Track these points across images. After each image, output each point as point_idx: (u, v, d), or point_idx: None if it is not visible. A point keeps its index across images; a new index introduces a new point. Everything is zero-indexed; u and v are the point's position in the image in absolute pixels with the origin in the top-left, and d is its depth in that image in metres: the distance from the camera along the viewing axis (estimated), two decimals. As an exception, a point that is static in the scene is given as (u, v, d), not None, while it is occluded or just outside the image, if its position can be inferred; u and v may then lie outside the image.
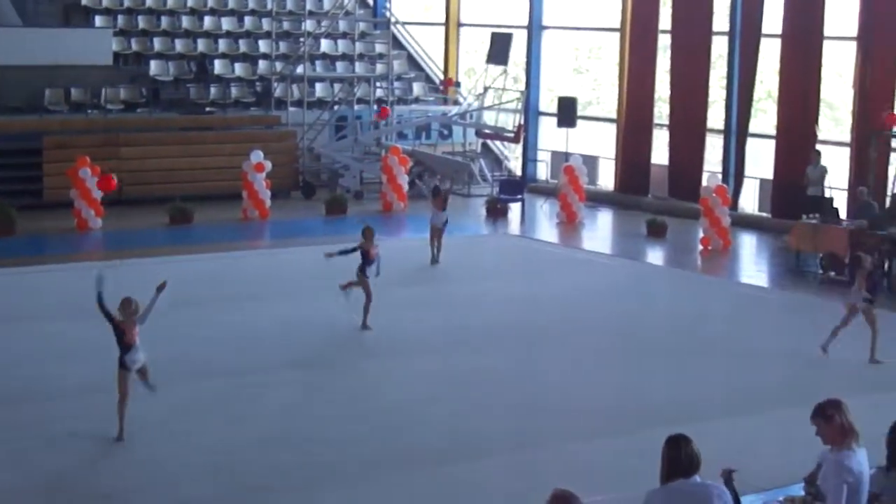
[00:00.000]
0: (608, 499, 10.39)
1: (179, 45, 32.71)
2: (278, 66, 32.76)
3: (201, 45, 32.98)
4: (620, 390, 15.20)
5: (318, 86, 33.35)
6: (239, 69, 32.82)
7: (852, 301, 16.69)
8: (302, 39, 32.89)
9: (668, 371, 16.07)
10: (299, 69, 32.31)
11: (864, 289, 16.57)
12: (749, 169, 28.37)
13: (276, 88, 32.25)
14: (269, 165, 27.05)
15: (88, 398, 14.18)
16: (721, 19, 29.09)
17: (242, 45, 33.55)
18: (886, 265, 21.85)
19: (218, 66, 32.49)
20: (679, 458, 7.68)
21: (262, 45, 33.56)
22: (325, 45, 34.54)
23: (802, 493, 8.96)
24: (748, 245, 26.25)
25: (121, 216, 26.18)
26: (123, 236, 24.93)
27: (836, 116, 29.80)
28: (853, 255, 17.90)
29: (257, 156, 26.98)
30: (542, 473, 11.87)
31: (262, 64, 33.07)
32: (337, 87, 33.64)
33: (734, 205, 27.03)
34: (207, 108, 31.27)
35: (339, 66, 34.40)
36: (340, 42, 35.04)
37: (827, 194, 24.69)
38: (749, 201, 28.62)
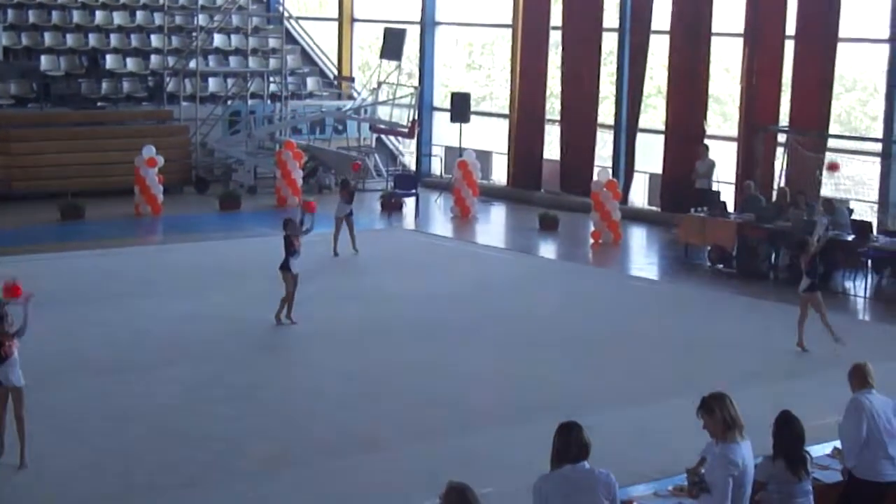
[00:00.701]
0: (507, 490, 10.55)
1: (70, 39, 32.33)
2: (171, 60, 32.54)
3: (93, 39, 32.63)
4: (515, 382, 15.41)
5: (211, 80, 33.20)
6: (131, 64, 32.53)
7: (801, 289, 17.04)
8: (194, 34, 32.69)
9: (561, 362, 16.32)
10: (192, 64, 32.13)
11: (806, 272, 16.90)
12: (639, 164, 28.81)
13: (168, 83, 32.04)
14: (161, 160, 26.88)
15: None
16: (611, 16, 29.51)
17: (134, 40, 33.24)
18: (773, 257, 22.38)
19: (109, 61, 32.17)
20: (568, 444, 7.84)
21: (155, 40, 33.30)
22: (218, 40, 34.37)
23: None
24: (638, 238, 26.67)
25: (11, 212, 25.90)
26: (13, 233, 24.62)
27: (723, 111, 30.35)
28: (800, 240, 18.12)
29: (150, 151, 26.80)
30: (438, 466, 12.00)
31: (154, 59, 32.81)
32: (230, 81, 33.53)
33: (624, 199, 27.43)
34: (99, 104, 30.98)
35: (233, 60, 34.27)
36: (233, 37, 34.89)
37: (714, 188, 25.22)
38: (639, 195, 29.07)
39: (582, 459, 7.81)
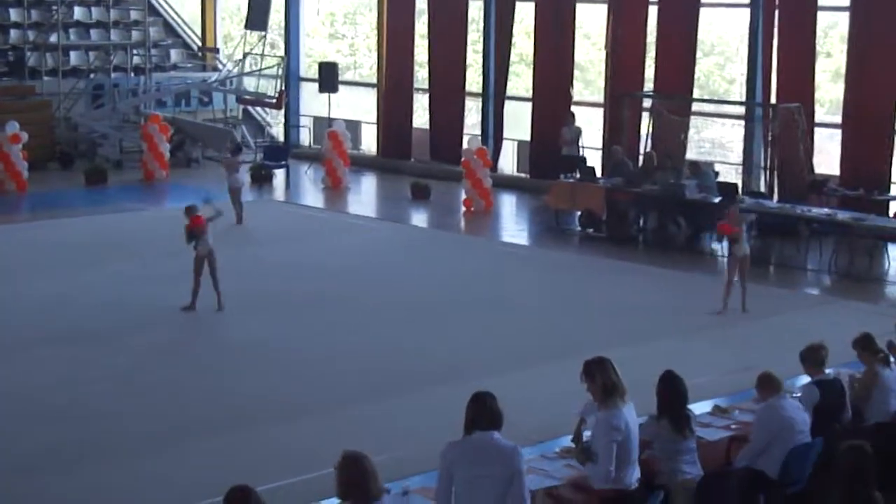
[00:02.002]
0: (395, 456, 10.64)
1: (-75, 14, 31.54)
2: (31, 35, 31.88)
3: (-51, 14, 31.86)
4: (398, 350, 15.49)
5: (72, 54, 32.60)
6: (-11, 38, 31.84)
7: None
8: (54, 7, 32.05)
9: (438, 330, 16.45)
10: (53, 38, 31.53)
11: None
12: (507, 131, 29.04)
13: (29, 58, 31.39)
14: (25, 136, 26.38)
15: None
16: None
17: (-8, 14, 32.52)
18: (642, 220, 22.77)
19: (-33, 36, 31.46)
20: (480, 413, 7.88)
21: (14, 14, 32.55)
22: (78, 13, 33.71)
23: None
24: (509, 205, 26.90)
25: None
26: None
27: (585, 78, 30.68)
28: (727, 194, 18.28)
29: (13, 127, 26.28)
30: (324, 436, 12.08)
31: (13, 33, 32.11)
32: (92, 55, 32.96)
33: (494, 166, 27.63)
34: (-42, 79, 30.29)
35: (94, 33, 33.66)
36: (94, 9, 34.22)
37: (581, 154, 25.55)
38: (508, 163, 29.30)
39: (493, 429, 7.86)
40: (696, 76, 26.19)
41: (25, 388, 13.94)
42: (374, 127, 31.61)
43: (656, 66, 26.16)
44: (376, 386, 14.10)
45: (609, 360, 8.86)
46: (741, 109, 25.91)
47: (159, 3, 35.82)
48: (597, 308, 17.70)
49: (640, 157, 24.30)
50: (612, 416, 8.64)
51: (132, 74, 32.55)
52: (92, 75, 32.22)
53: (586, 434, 9.10)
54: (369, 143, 32.08)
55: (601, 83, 27.91)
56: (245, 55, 31.85)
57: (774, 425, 9.46)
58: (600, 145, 26.61)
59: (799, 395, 10.27)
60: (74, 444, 12.24)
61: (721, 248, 21.32)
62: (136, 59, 32.89)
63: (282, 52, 32.98)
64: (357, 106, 32.66)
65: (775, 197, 22.59)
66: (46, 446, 12.12)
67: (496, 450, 7.78)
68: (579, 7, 27.65)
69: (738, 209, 17.98)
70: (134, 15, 34.32)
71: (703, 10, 25.83)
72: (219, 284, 17.10)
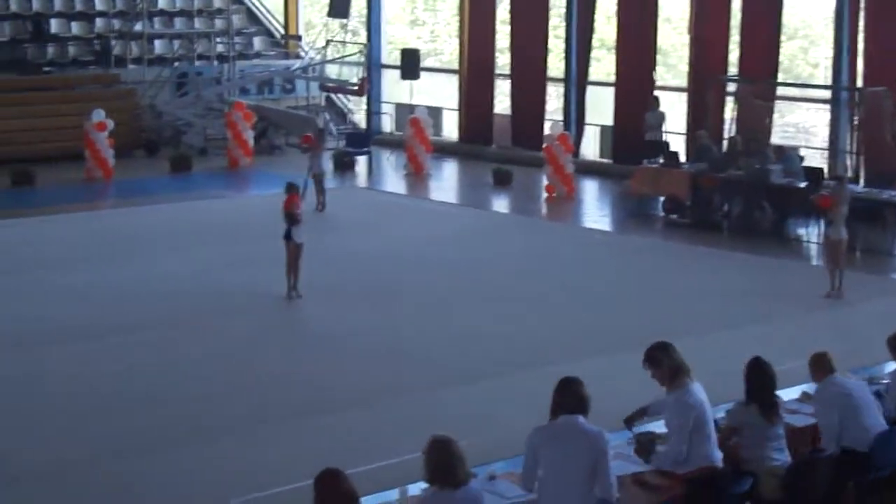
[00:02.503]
0: (480, 441, 10.63)
1: (14, 4, 31.94)
2: (116, 23, 32.25)
3: (36, 4, 32.27)
4: (478, 336, 15.46)
5: (157, 43, 32.95)
6: (76, 28, 32.24)
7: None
8: (139, -4, 32.42)
9: (522, 316, 16.40)
10: (137, 26, 31.86)
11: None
12: (589, 116, 28.90)
13: (114, 46, 31.76)
14: (111, 124, 26.69)
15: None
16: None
17: (79, 4, 32.91)
18: (727, 206, 22.55)
19: (54, 26, 31.87)
20: (564, 397, 7.88)
21: (99, 3, 32.98)
22: (162, 2, 34.08)
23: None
24: (591, 191, 26.78)
25: (-41, 180, 25.66)
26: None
27: (667, 63, 30.47)
28: (838, 176, 18.22)
29: (99, 115, 26.58)
30: (410, 421, 12.11)
31: (99, 22, 32.53)
32: (177, 43, 33.28)
33: (576, 152, 27.53)
34: (45, 69, 30.68)
35: (178, 22, 34.00)
36: (178, -2, 34.63)
37: (664, 139, 25.37)
38: (590, 148, 29.17)
39: (579, 413, 7.84)
40: (780, 60, 25.90)
41: (111, 373, 14.08)
42: (456, 113, 31.61)
43: (740, 50, 25.91)
44: (458, 372, 14.10)
45: (669, 343, 8.82)
46: (826, 93, 25.59)
47: (243, -8, 36.11)
48: (681, 294, 17.57)
49: (725, 142, 24.09)
50: (684, 393, 8.60)
51: (216, 62, 32.83)
52: (176, 63, 32.53)
53: (643, 428, 9.05)
54: (451, 129, 32.08)
55: (684, 67, 27.70)
56: (327, 43, 32.00)
57: (837, 400, 9.34)
58: (684, 130, 26.42)
59: (887, 381, 10.12)
60: (160, 427, 12.36)
61: (807, 232, 21.13)
62: (219, 48, 33.17)
63: (363, 40, 33.06)
64: (438, 92, 32.68)
65: (861, 181, 22.28)
66: (134, 429, 12.26)
67: (582, 433, 7.76)
68: (662, -9, 27.48)
69: (844, 189, 17.70)
70: (217, 3, 34.63)
71: (787, -6, 25.56)
72: (299, 273, 17.16)
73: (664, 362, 8.69)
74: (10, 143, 27.61)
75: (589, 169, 27.71)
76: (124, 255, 19.83)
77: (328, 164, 26.06)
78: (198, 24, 33.88)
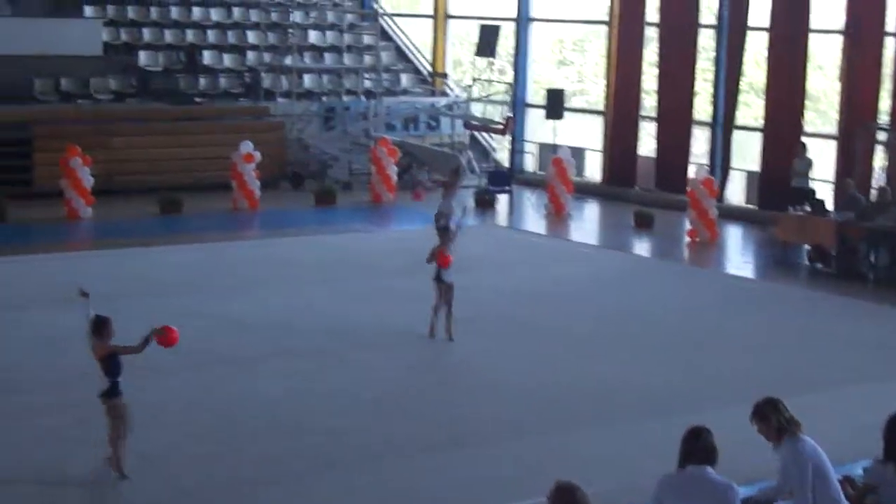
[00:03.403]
0: (609, 489, 10.51)
1: (169, 35, 32.78)
2: (267, 57, 32.83)
3: (190, 35, 33.05)
4: (611, 381, 15.32)
5: (306, 77, 33.45)
6: (228, 60, 32.91)
7: None
8: (290, 30, 32.96)
9: (658, 361, 16.21)
10: (288, 60, 32.39)
11: None
12: (735, 161, 28.58)
13: (264, 79, 32.32)
14: (258, 156, 27.13)
15: (75, 389, 14.27)
16: (707, 12, 29.32)
17: (231, 36, 33.63)
18: (873, 257, 22.06)
19: (207, 57, 32.57)
20: (694, 447, 7.78)
21: (251, 36, 33.66)
22: (313, 37, 34.64)
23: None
24: (735, 237, 26.45)
25: (111, 206, 26.22)
26: (113, 226, 25.02)
27: (817, 108, 30.02)
28: None
29: (247, 146, 27.05)
30: (540, 463, 12.02)
31: (250, 55, 33.16)
32: (326, 78, 33.75)
33: (721, 196, 27.22)
34: (197, 99, 31.34)
35: (328, 57, 34.50)
36: (329, 33, 35.14)
37: (811, 186, 24.95)
38: (735, 193, 28.83)
39: (707, 464, 7.73)
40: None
41: (252, 401, 14.24)
42: (599, 154, 31.51)
43: (892, 98, 25.40)
44: (589, 415, 13.98)
45: (779, 399, 8.67)
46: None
47: (392, 29, 36.54)
48: (823, 345, 17.22)
49: (873, 191, 23.59)
50: (796, 442, 8.49)
51: (363, 98, 33.20)
52: (324, 98, 32.96)
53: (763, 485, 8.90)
54: (593, 170, 31.98)
55: (834, 114, 27.25)
56: (474, 81, 32.17)
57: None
58: (832, 178, 25.96)
59: None
60: (295, 456, 12.45)
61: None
62: (367, 83, 33.56)
63: (510, 79, 33.18)
64: (582, 133, 32.59)
65: None
66: (269, 457, 12.37)
67: (710, 485, 7.64)
68: (812, 37, 27.05)
69: None
70: (367, 40, 35.07)
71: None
72: (452, 316, 17.02)
73: (773, 419, 8.54)
74: (159, 172, 28.25)
75: (733, 214, 27.37)
76: (267, 285, 20.09)
77: (469, 201, 26.13)
78: (347, 59, 34.34)
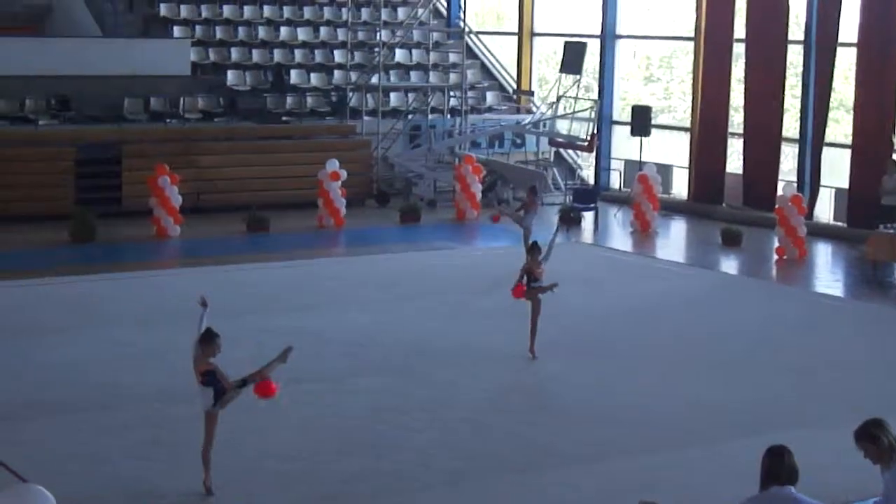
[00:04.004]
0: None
1: (256, 55, 33.07)
2: (353, 75, 33.01)
3: (277, 55, 33.33)
4: (696, 401, 15.17)
5: (392, 95, 33.58)
6: (315, 79, 33.13)
7: None
8: (377, 49, 33.12)
9: (744, 381, 16.01)
10: (374, 79, 32.53)
11: None
12: (824, 178, 28.23)
13: (351, 98, 32.50)
14: (344, 174, 27.27)
15: (165, 406, 14.44)
16: (796, 27, 29.03)
17: (318, 56, 33.86)
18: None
19: (294, 76, 32.81)
20: (779, 468, 7.67)
21: (338, 56, 33.85)
22: (399, 55, 34.78)
23: None
24: (824, 255, 26.12)
25: (198, 224, 26.50)
26: (201, 244, 25.26)
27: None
28: None
29: (333, 164, 27.21)
30: (620, 484, 11.94)
31: (337, 74, 33.36)
32: (411, 96, 33.86)
33: (810, 214, 26.90)
34: (284, 118, 31.58)
35: (414, 75, 34.62)
36: (415, 52, 35.28)
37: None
38: (824, 211, 28.47)
39: (789, 484, 7.63)
40: None
41: (335, 418, 14.30)
42: (686, 171, 31.28)
43: None
44: (673, 435, 13.85)
45: (884, 420, 8.48)
46: None
47: (478, 47, 36.57)
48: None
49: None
50: None
51: (448, 116, 33.27)
52: (410, 116, 33.08)
53: None
54: (680, 187, 31.76)
55: (926, 131, 26.83)
56: (559, 98, 32.10)
57: None
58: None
59: None
60: (377, 475, 12.48)
61: None
62: (452, 101, 33.60)
63: (595, 96, 33.06)
64: (669, 150, 32.39)
65: None
66: (352, 475, 12.40)
67: (800, 501, 7.55)
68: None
69: None
70: (453, 58, 35.13)
71: None
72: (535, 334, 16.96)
73: (882, 439, 8.35)
74: (247, 190, 28.46)
75: (822, 232, 27.03)
76: (352, 301, 20.15)
77: (554, 218, 26.08)
78: (432, 77, 34.43)
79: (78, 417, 14.11)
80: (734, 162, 30.50)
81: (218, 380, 11.59)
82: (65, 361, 16.40)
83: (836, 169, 28.10)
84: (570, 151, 34.42)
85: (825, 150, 28.19)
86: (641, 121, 29.92)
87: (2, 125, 28.56)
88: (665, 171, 30.75)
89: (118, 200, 27.81)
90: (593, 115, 31.24)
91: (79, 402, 14.70)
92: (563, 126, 32.07)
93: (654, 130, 30.60)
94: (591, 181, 33.70)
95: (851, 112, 28.10)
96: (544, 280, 16.85)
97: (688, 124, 31.74)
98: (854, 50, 27.58)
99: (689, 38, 31.66)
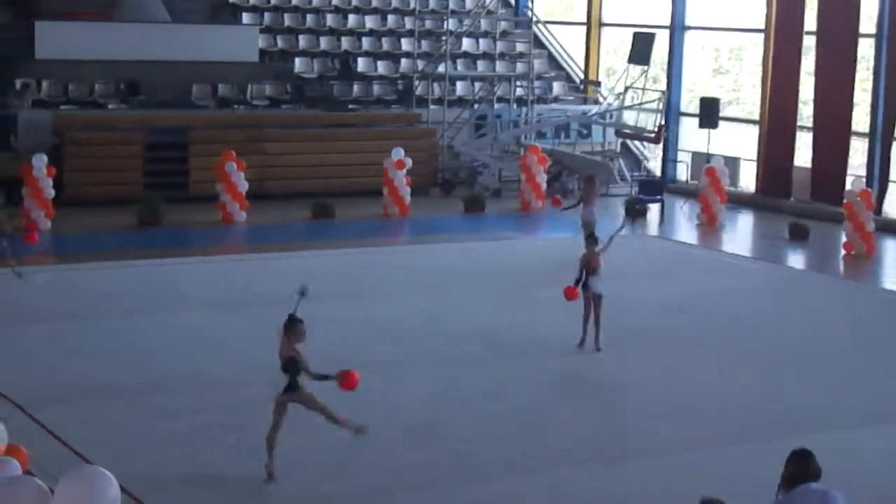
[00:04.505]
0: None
1: (324, 42, 33.18)
2: (420, 64, 33.02)
3: (345, 42, 33.42)
4: (760, 396, 15.03)
5: (458, 84, 33.56)
6: (381, 67, 33.18)
7: None
8: (444, 38, 33.11)
9: (806, 378, 15.86)
10: (441, 68, 32.53)
11: None
12: (893, 173, 27.89)
13: (417, 86, 32.51)
14: (409, 162, 27.27)
15: (228, 391, 14.52)
16: (867, 20, 28.69)
17: (385, 44, 33.91)
18: None
19: (361, 64, 32.89)
20: (805, 471, 7.62)
21: (405, 44, 33.88)
22: (466, 44, 34.74)
23: None
24: (892, 250, 25.83)
25: (264, 210, 26.62)
26: (267, 230, 25.40)
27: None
28: None
29: (398, 153, 27.23)
30: (684, 478, 11.86)
31: (404, 62, 33.39)
32: (477, 85, 33.82)
33: (878, 209, 26.60)
34: (350, 106, 31.67)
35: (480, 64, 34.56)
36: (482, 41, 35.22)
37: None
38: (894, 206, 28.13)
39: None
40: None
41: (392, 406, 14.28)
42: (754, 164, 31.02)
43: None
44: (735, 430, 13.74)
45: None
46: None
47: (545, 37, 36.46)
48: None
49: None
50: None
51: (514, 105, 33.20)
52: (476, 105, 33.04)
53: None
54: (748, 180, 31.49)
55: None
56: (626, 89, 31.94)
57: None
58: None
59: None
60: (433, 464, 12.49)
61: None
62: (518, 91, 33.52)
63: (663, 87, 32.86)
64: (737, 142, 32.12)
65: None
66: (408, 464, 12.42)
67: (828, 499, 7.50)
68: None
69: None
70: (520, 47, 35.04)
71: None
72: (601, 327, 16.86)
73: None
74: (312, 177, 28.57)
75: (891, 227, 26.72)
76: (414, 290, 20.18)
77: (619, 210, 25.95)
78: (499, 67, 34.36)
79: (141, 400, 14.21)
80: (803, 155, 30.20)
81: (296, 369, 11.61)
82: (130, 344, 16.56)
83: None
84: (637, 143, 34.24)
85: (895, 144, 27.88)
86: (709, 113, 29.72)
87: (73, 109, 28.86)
88: (733, 163, 30.49)
89: (185, 186, 27.99)
90: (661, 106, 31.09)
91: (142, 385, 14.81)
92: (630, 117, 31.92)
93: (722, 122, 30.38)
94: (658, 173, 33.50)
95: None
96: (602, 272, 16.69)
97: (756, 117, 31.45)
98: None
99: (759, 31, 31.35)
